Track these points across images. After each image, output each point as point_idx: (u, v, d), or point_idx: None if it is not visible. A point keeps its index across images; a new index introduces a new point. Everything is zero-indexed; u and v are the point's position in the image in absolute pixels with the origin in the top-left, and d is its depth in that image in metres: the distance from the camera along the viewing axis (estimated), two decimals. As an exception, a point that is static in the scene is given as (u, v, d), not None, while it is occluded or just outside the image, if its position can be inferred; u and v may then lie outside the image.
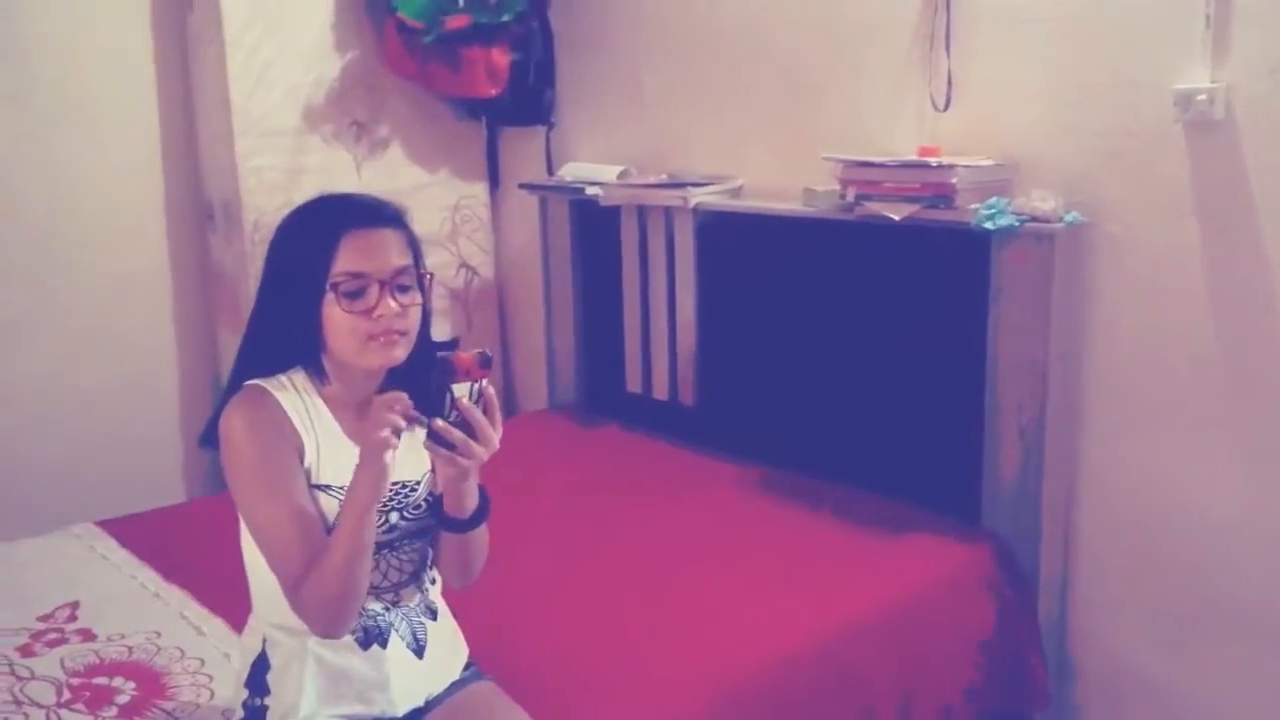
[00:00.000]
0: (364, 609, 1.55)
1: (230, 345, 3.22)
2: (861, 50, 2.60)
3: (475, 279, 3.64)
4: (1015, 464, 2.35)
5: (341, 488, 1.49)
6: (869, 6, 2.57)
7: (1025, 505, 2.35)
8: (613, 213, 3.07)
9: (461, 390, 1.42)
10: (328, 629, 1.47)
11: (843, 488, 2.59)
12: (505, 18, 3.11)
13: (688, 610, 2.11)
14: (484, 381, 1.43)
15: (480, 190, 3.63)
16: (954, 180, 2.29)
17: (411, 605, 1.63)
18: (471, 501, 1.56)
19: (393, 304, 1.48)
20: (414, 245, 1.57)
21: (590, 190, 3.08)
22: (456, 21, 3.10)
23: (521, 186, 3.40)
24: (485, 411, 1.43)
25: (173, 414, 3.34)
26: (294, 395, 1.54)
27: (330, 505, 1.51)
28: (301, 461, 1.51)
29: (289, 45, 3.14)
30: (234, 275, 3.17)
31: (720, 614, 2.10)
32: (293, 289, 1.50)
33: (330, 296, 1.47)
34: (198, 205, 3.29)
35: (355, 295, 1.47)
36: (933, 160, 2.35)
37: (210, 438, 1.55)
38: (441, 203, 3.52)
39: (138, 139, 3.19)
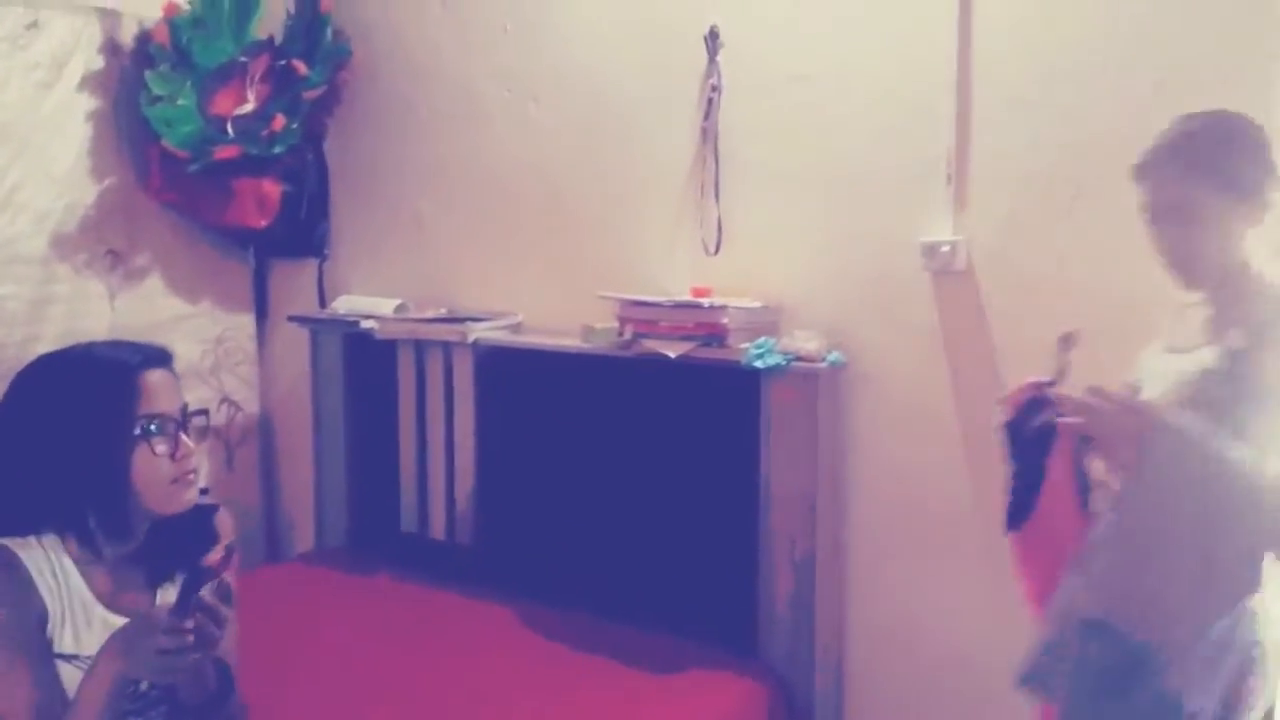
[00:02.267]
0: None
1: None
2: (638, 194, 2.71)
3: (238, 414, 3.47)
4: (788, 596, 2.40)
5: (88, 657, 1.38)
6: (644, 153, 2.68)
7: (799, 636, 2.40)
8: (388, 347, 3.02)
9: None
10: None
11: (623, 626, 2.57)
12: (277, 149, 3.05)
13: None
14: (225, 575, 1.41)
15: (246, 322, 3.50)
16: (725, 320, 2.39)
17: None
18: (208, 681, 1.47)
19: (190, 443, 1.46)
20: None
21: (365, 324, 3.03)
22: (226, 152, 3.02)
23: (291, 319, 3.30)
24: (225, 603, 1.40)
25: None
26: (41, 557, 1.42)
27: (73, 676, 1.38)
28: (43, 630, 1.39)
29: (40, 169, 2.96)
30: (-36, 412, 2.90)
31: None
32: (93, 438, 1.41)
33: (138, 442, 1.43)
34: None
35: (156, 438, 1.43)
36: (705, 301, 2.44)
37: None
38: (203, 335, 3.37)
39: None
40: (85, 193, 3.07)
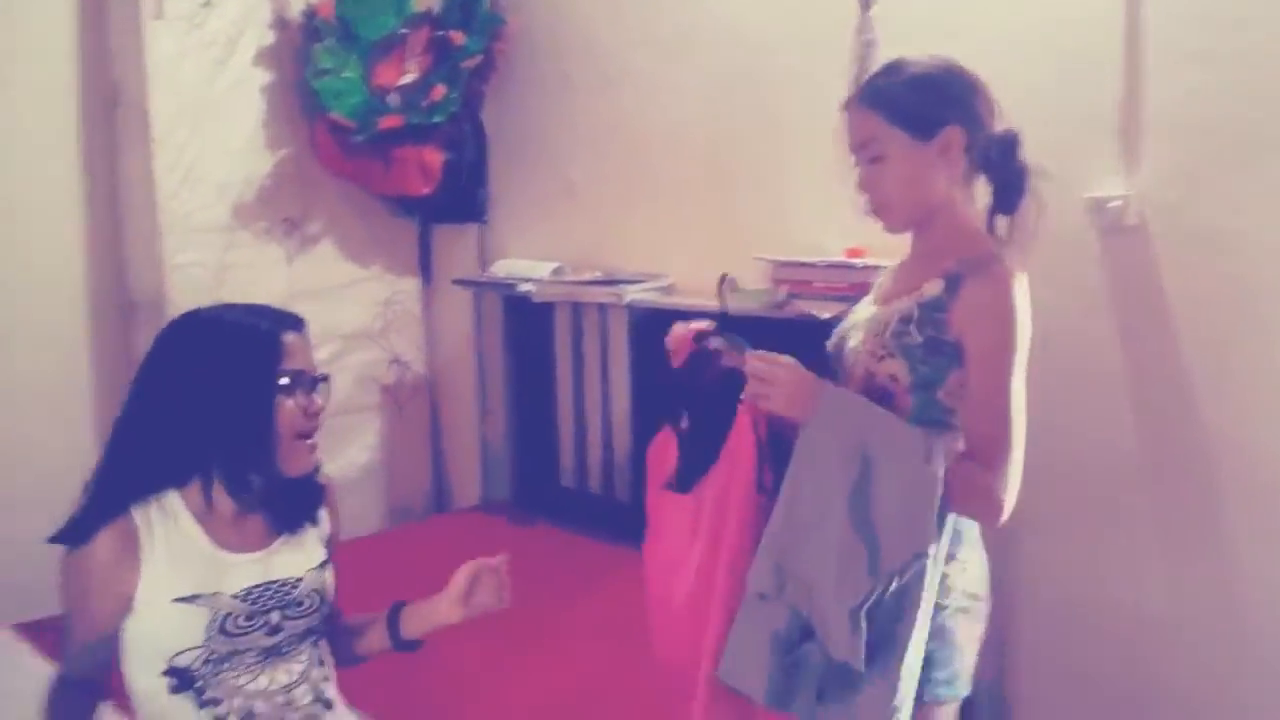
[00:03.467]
0: (254, 713, 1.53)
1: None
2: (790, 154, 2.67)
3: (407, 373, 3.62)
4: (946, 559, 2.37)
5: (213, 594, 1.50)
6: (797, 113, 2.65)
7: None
8: (546, 309, 3.09)
9: None
10: None
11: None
12: (438, 118, 3.14)
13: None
14: None
15: (413, 286, 3.63)
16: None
17: (304, 705, 1.60)
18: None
19: (320, 401, 1.56)
20: None
21: (523, 286, 3.10)
22: (389, 121, 3.12)
23: (455, 282, 3.41)
24: None
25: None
26: (157, 516, 1.52)
27: (197, 616, 1.49)
28: (126, 610, 1.49)
29: (218, 142, 3.13)
30: (159, 373, 3.12)
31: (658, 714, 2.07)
32: (243, 389, 1.50)
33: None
34: (121, 303, 3.24)
35: (292, 391, 1.52)
36: (859, 261, 2.41)
37: (68, 535, 1.51)
38: (374, 298, 3.51)
39: (61, 237, 3.12)
40: (261, 164, 3.24)
